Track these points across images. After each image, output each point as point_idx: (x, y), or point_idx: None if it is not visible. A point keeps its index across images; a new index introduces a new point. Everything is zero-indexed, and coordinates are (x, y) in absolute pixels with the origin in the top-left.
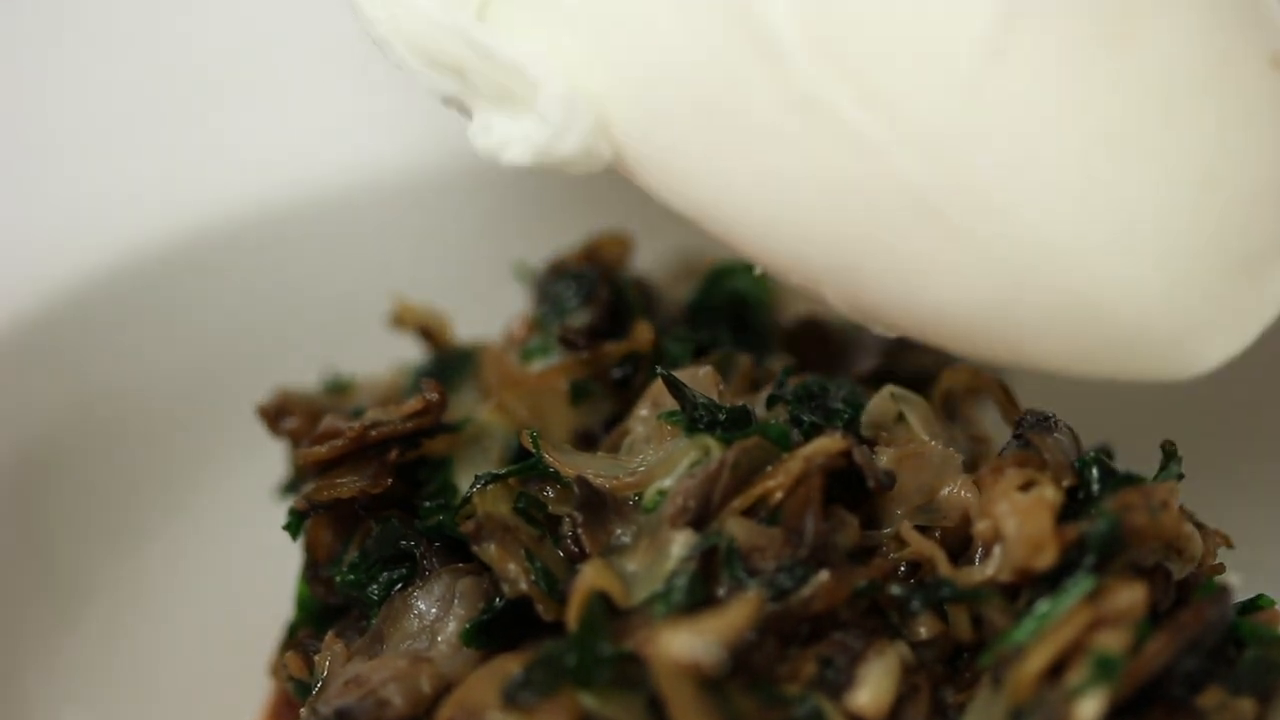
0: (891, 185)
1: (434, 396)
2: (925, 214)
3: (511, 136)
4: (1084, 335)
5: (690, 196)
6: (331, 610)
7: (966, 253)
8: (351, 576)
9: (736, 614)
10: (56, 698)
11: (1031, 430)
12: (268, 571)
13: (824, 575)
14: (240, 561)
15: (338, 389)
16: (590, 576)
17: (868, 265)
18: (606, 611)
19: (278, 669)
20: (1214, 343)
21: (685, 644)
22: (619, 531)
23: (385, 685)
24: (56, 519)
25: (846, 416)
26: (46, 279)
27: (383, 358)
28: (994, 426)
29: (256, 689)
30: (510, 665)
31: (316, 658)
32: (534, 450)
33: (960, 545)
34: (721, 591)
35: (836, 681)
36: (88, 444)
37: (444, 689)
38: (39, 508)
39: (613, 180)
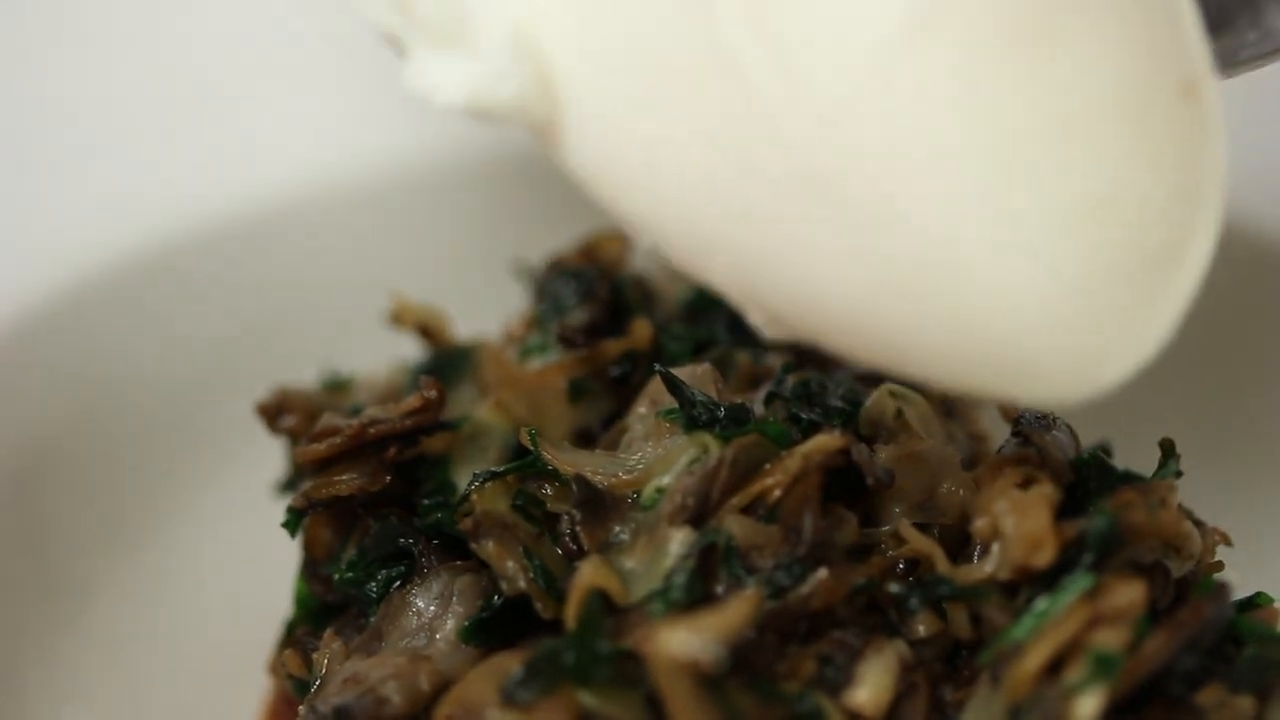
0: (783, 155)
1: (433, 394)
2: (812, 191)
3: (448, 79)
4: (964, 345)
5: (613, 168)
6: (330, 608)
7: (848, 236)
8: (350, 574)
9: (735, 612)
10: (55, 696)
11: (1030, 428)
12: (266, 569)
13: (822, 573)
14: (238, 559)
15: (336, 387)
16: (589, 574)
17: (752, 241)
18: (605, 609)
19: (276, 667)
20: (1106, 360)
21: (683, 642)
22: (617, 529)
23: (384, 683)
24: (54, 517)
25: (845, 414)
26: (43, 279)
27: (381, 356)
28: (993, 424)
29: (255, 687)
30: (509, 663)
31: (315, 655)
32: (532, 448)
33: (959, 543)
34: (720, 589)
35: (835, 679)
36: (85, 443)
37: (443, 687)
38: (36, 506)
39: None
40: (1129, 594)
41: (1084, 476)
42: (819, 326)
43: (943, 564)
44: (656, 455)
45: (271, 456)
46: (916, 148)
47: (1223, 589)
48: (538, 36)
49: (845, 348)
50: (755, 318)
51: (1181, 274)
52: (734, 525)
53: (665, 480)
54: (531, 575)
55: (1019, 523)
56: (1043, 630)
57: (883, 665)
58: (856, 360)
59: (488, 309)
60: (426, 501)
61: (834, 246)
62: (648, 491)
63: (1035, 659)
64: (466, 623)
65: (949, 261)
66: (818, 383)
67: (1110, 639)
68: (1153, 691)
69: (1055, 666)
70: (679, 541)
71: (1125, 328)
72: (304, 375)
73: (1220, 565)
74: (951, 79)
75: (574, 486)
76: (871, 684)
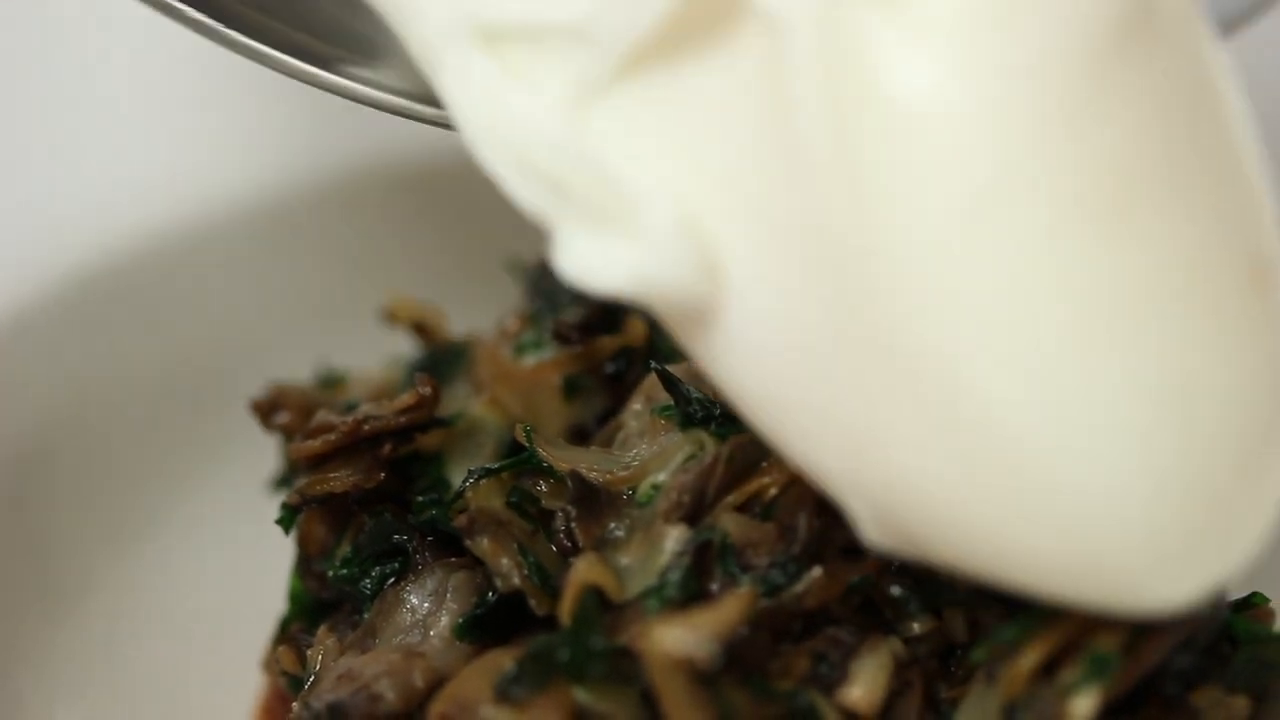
0: (882, 337)
1: (427, 391)
2: (888, 367)
3: (609, 261)
4: (1040, 541)
5: (763, 356)
6: (324, 605)
7: (924, 418)
8: (344, 571)
9: (730, 609)
10: (49, 692)
11: None
12: (260, 566)
13: (817, 571)
14: (233, 556)
15: (331, 383)
16: (583, 570)
17: (856, 425)
18: (600, 606)
19: (270, 664)
20: (1188, 573)
21: (678, 639)
22: (612, 526)
23: (378, 679)
24: (48, 514)
25: None
26: (38, 275)
27: (376, 352)
28: None
29: (250, 684)
30: (503, 660)
31: (309, 652)
32: (527, 445)
33: None
34: (715, 586)
35: (830, 677)
36: (80, 440)
37: (437, 683)
38: (31, 503)
39: None
40: None
41: None
42: (915, 521)
43: None
44: (652, 452)
45: (266, 453)
46: (988, 327)
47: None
48: (703, 215)
49: (941, 553)
50: (865, 528)
51: (1270, 479)
52: (729, 523)
53: (661, 477)
54: (526, 572)
55: None
56: (1038, 629)
57: (877, 663)
58: (955, 571)
59: (482, 306)
60: (421, 498)
61: (910, 427)
62: (643, 488)
63: (1031, 658)
64: (461, 619)
65: (1022, 446)
66: None
67: (1105, 639)
68: (1148, 690)
69: (1050, 666)
70: (674, 539)
71: (1210, 542)
72: (298, 372)
73: None
74: (1020, 258)
75: (569, 483)
76: (866, 681)
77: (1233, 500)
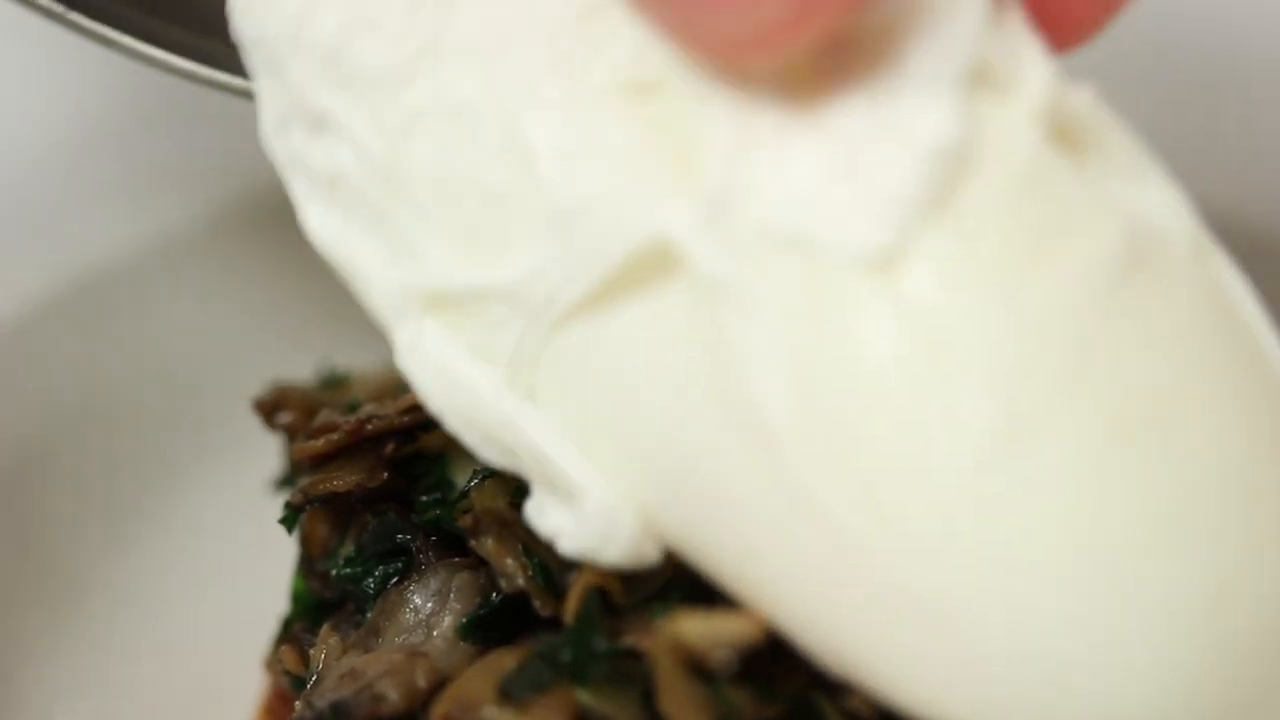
0: (879, 583)
1: None
2: (914, 615)
3: (562, 529)
4: None
5: (730, 581)
6: (326, 604)
7: (957, 663)
8: (347, 570)
9: (752, 625)
10: (49, 690)
11: None
12: (263, 565)
13: None
14: (235, 555)
15: (334, 383)
16: (588, 572)
17: (858, 653)
18: (604, 608)
19: (272, 663)
20: None
21: (698, 634)
22: None
23: (381, 679)
24: (49, 512)
25: None
26: (39, 276)
27: (378, 352)
28: None
29: (251, 683)
30: (506, 660)
31: (311, 651)
32: None
33: None
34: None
35: (834, 680)
36: (81, 438)
37: (439, 683)
38: (32, 501)
39: None
40: None
41: None
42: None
43: None
44: None
45: (268, 453)
46: (1014, 574)
47: None
48: (641, 488)
49: None
50: None
51: None
52: None
53: None
54: (530, 572)
55: None
56: None
57: None
58: None
59: None
60: (424, 498)
61: (942, 669)
62: None
63: None
64: (464, 620)
65: (1051, 681)
66: None
67: None
68: None
69: None
70: None
71: None
72: (301, 371)
73: None
74: (1051, 484)
75: None
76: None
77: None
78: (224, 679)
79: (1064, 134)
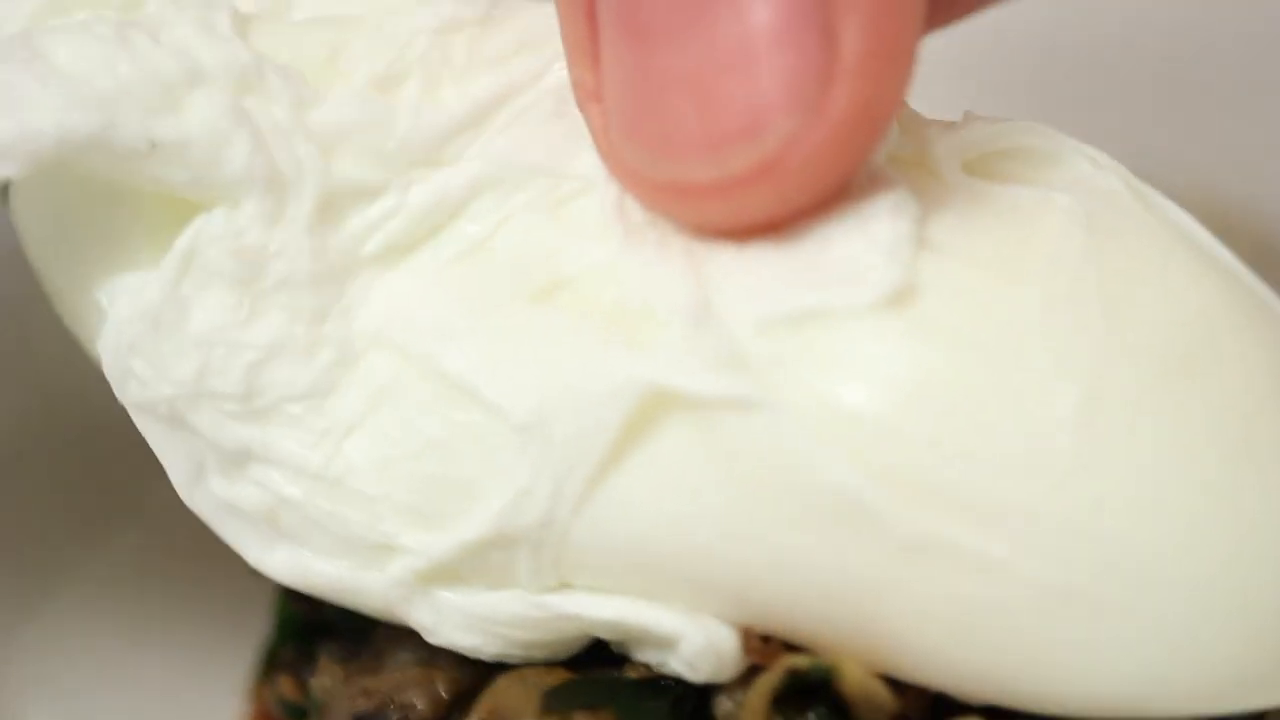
0: (1025, 592)
1: None
2: (1064, 612)
3: (680, 670)
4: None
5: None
6: (314, 626)
7: (1113, 642)
8: None
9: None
10: (18, 684)
11: None
12: (240, 565)
13: None
14: (212, 555)
15: None
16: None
17: (1020, 675)
18: None
19: (262, 691)
20: None
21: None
22: None
23: (403, 691)
24: (23, 505)
25: None
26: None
27: None
28: None
29: (224, 689)
30: (543, 676)
31: (313, 680)
32: None
33: None
34: None
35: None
36: (58, 431)
37: (460, 693)
38: (4, 493)
39: None
40: None
41: None
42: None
43: None
44: None
45: None
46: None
47: None
48: (730, 613)
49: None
50: None
51: None
52: None
53: None
54: None
55: None
56: None
57: None
58: None
59: None
60: None
61: (1097, 652)
62: None
63: None
64: None
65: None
66: None
67: None
68: None
69: None
70: None
71: None
72: None
73: None
74: (1145, 447)
75: None
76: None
77: None
78: (194, 679)
79: (978, 165)
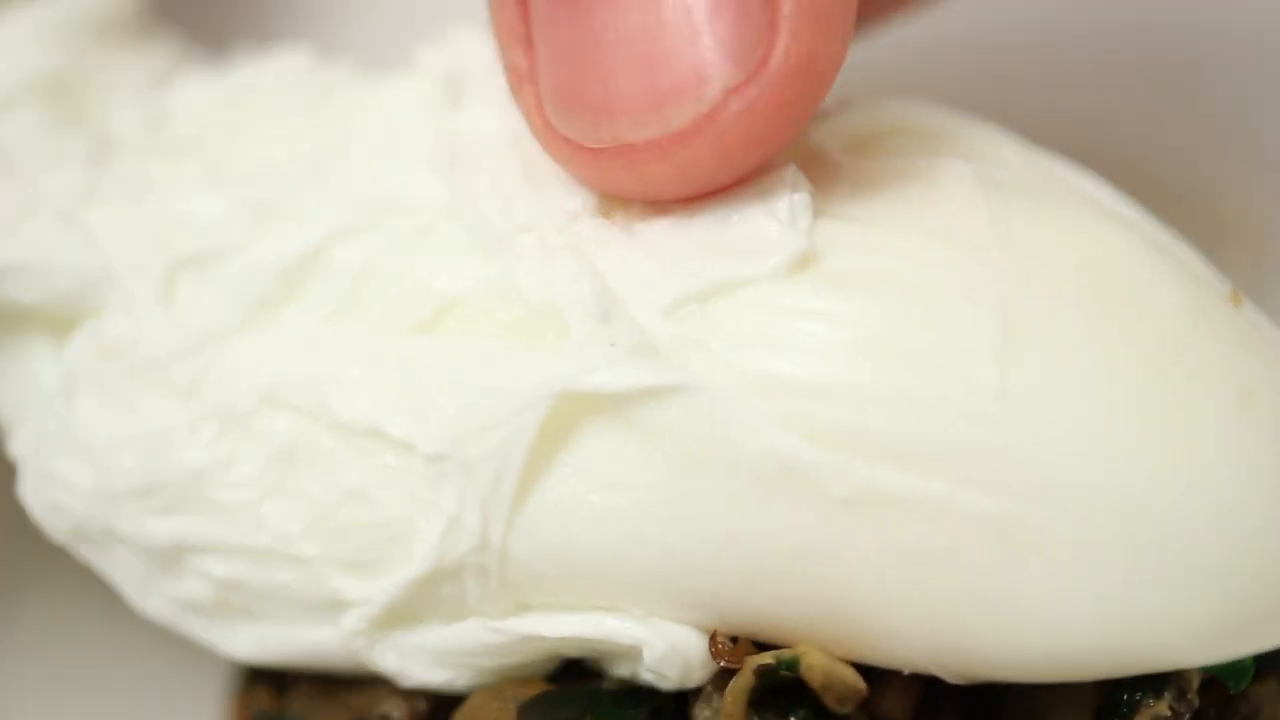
0: (970, 530)
1: None
2: (1012, 546)
3: (652, 679)
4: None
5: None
6: None
7: (1065, 574)
8: None
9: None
10: None
11: None
12: None
13: None
14: None
15: None
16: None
17: (979, 626)
18: None
19: (242, 707)
20: None
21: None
22: None
23: (381, 704)
24: (3, 512)
25: None
26: None
27: None
28: None
29: (188, 702)
30: (520, 689)
31: (290, 697)
32: None
33: None
34: None
35: None
36: None
37: (436, 708)
38: None
39: None
40: None
41: None
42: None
43: None
44: None
45: None
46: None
47: None
48: (692, 615)
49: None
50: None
51: None
52: None
53: None
54: None
55: None
56: None
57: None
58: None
59: None
60: None
61: (1047, 586)
62: None
63: None
64: None
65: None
66: None
67: None
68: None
69: None
70: None
71: None
72: None
73: None
74: (1068, 370)
75: None
76: (897, 689)
77: None
78: (158, 694)
79: (864, 146)
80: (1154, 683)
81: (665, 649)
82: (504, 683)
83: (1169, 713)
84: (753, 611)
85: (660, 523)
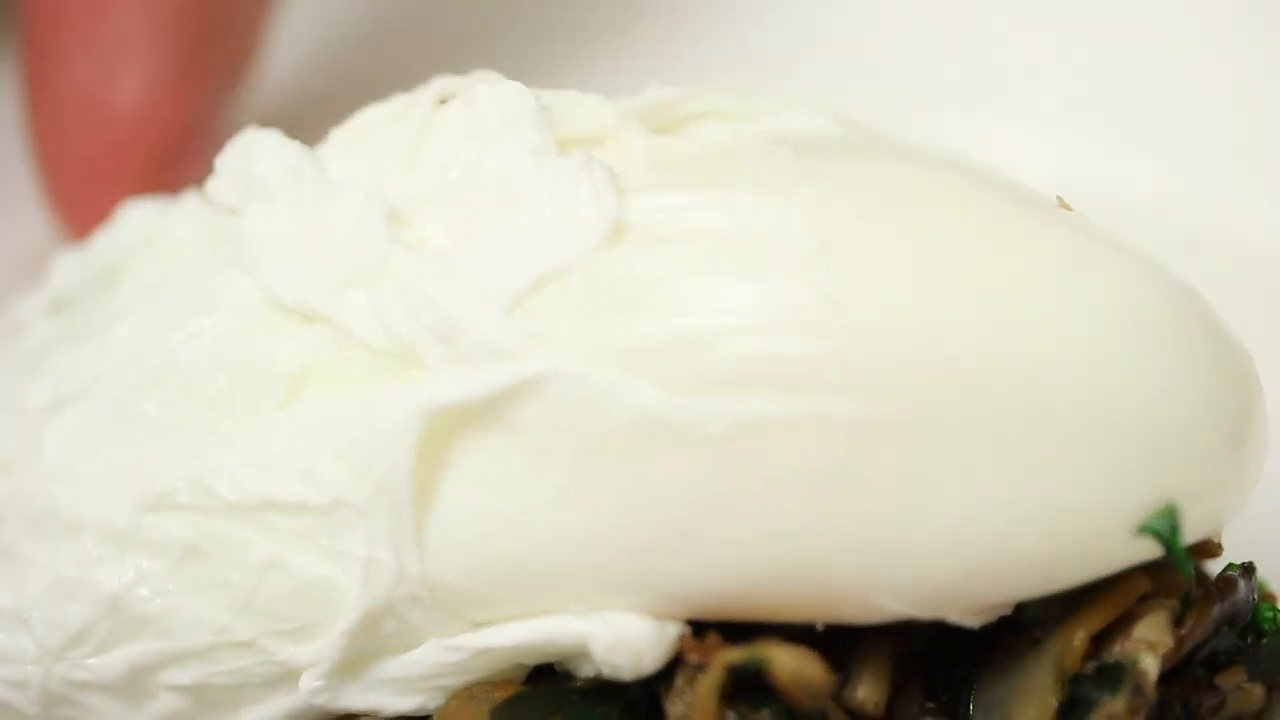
0: (848, 439)
1: None
2: (894, 446)
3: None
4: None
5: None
6: None
7: (956, 465)
8: None
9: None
10: None
11: None
12: None
13: None
14: None
15: None
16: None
17: (896, 527)
18: None
19: None
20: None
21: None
22: None
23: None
24: None
25: None
26: None
27: None
28: None
29: None
30: (493, 691)
31: None
32: None
33: None
34: None
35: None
36: None
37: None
38: None
39: None
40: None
41: None
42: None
43: None
44: None
45: None
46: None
47: (1249, 568)
48: (636, 600)
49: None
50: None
51: None
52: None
53: None
54: None
55: None
56: (1090, 604)
57: (879, 663)
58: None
59: None
60: None
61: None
62: None
63: (1085, 631)
64: None
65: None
66: None
67: (1156, 613)
68: (1178, 674)
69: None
70: None
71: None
72: None
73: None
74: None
75: None
76: (869, 681)
77: None
78: None
79: (670, 129)
80: (1110, 681)
81: (612, 639)
82: (477, 686)
83: (1124, 709)
84: (691, 583)
85: (564, 512)
